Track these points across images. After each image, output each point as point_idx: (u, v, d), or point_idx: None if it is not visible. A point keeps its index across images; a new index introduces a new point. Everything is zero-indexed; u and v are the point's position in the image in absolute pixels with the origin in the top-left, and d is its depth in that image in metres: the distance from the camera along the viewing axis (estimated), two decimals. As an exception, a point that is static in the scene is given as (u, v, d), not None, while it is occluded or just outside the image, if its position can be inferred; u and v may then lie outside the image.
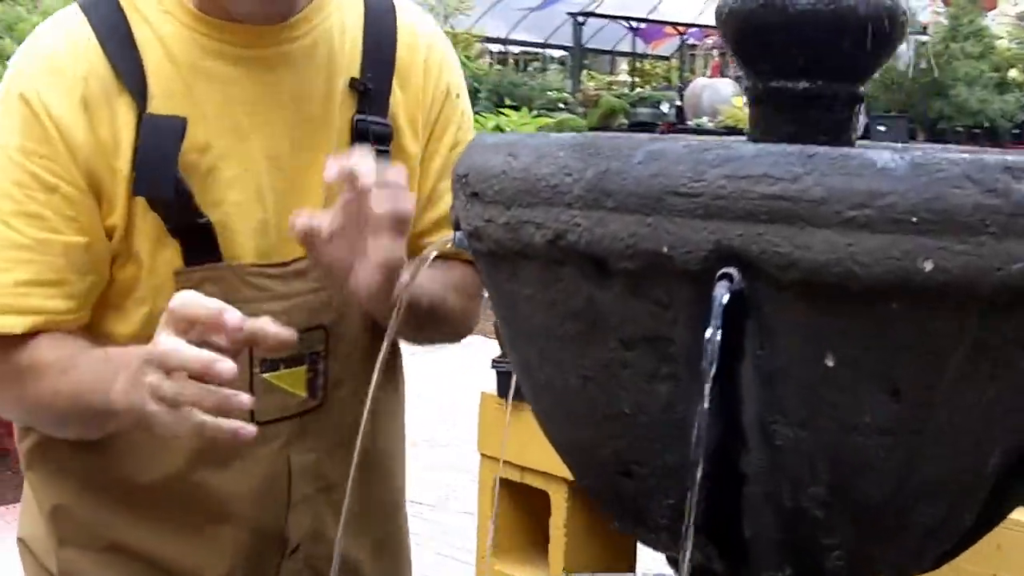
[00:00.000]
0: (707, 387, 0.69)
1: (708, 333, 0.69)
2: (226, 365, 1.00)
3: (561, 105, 14.73)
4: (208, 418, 1.01)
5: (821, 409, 0.74)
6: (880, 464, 0.75)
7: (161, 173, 1.15)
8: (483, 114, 10.05)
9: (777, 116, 0.88)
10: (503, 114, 10.26)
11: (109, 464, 1.22)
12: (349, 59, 1.25)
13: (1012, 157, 0.70)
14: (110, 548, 1.25)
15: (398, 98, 1.28)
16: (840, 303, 0.70)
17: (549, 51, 20.83)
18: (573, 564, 2.02)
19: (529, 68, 19.83)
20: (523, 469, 2.07)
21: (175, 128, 1.16)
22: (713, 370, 0.69)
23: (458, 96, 1.34)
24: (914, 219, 0.68)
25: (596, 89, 14.67)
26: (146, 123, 1.16)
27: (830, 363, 0.72)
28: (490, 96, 13.07)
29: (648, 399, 0.78)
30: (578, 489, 1.87)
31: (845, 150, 0.70)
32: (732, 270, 0.70)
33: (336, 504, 1.29)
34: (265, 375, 1.20)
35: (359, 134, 1.24)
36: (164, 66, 1.18)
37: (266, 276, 1.21)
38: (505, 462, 2.04)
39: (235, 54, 1.19)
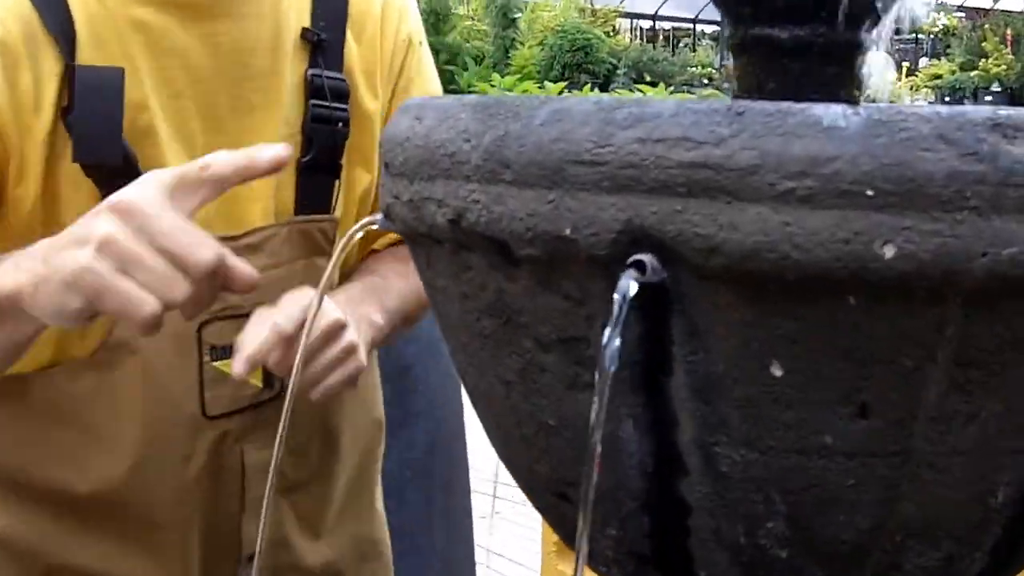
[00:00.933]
0: (599, 400, 0.56)
1: (605, 336, 0.55)
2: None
3: (706, 81, 14.49)
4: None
5: (770, 428, 0.60)
6: (849, 495, 0.61)
7: (105, 134, 1.01)
8: (619, 91, 9.90)
9: (761, 70, 0.74)
10: (639, 91, 10.09)
11: (44, 475, 1.10)
12: (298, 7, 1.12)
13: (1003, 110, 0.55)
14: (48, 573, 1.12)
15: (352, 50, 1.14)
16: (782, 298, 0.56)
17: (701, 27, 20.55)
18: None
19: (680, 45, 19.59)
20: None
21: (113, 81, 1.01)
22: (611, 377, 0.56)
23: (420, 44, 1.21)
24: (869, 191, 0.53)
25: (742, 64, 14.31)
26: (80, 75, 1.00)
27: (777, 372, 0.58)
28: (628, 72, 12.87)
29: (570, 410, 0.64)
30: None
31: (785, 105, 0.55)
32: (645, 256, 0.57)
33: (300, 507, 1.18)
34: (216, 363, 1.08)
35: (314, 90, 1.11)
36: (93, 11, 1.02)
37: None
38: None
39: (166, 0, 1.05)
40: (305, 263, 1.13)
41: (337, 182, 1.15)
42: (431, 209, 0.65)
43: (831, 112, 0.54)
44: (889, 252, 0.53)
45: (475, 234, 0.62)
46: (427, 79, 1.22)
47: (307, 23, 1.12)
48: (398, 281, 1.16)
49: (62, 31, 1.01)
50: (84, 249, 0.81)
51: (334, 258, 0.85)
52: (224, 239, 1.03)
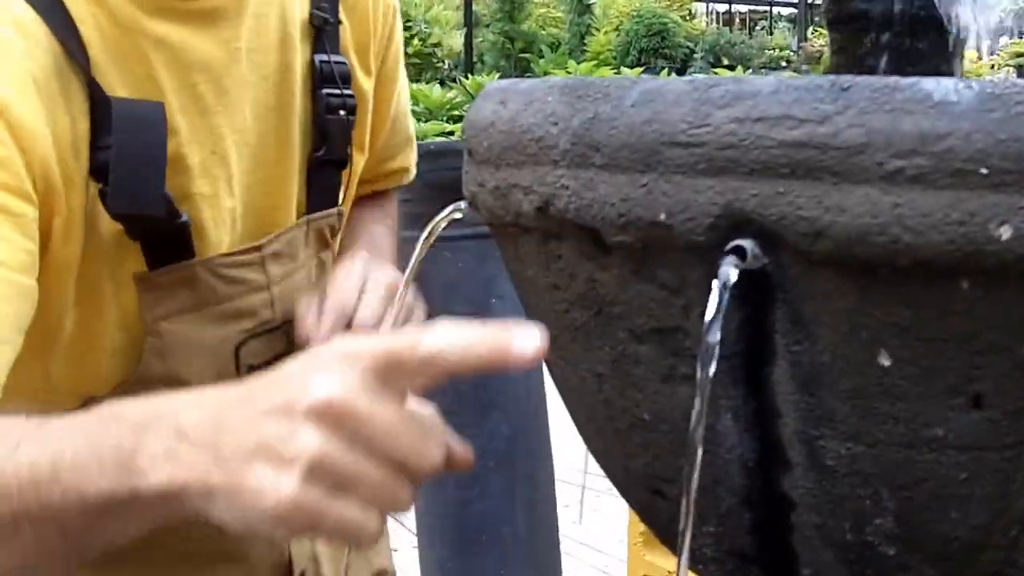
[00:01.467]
0: (703, 392, 0.53)
1: (705, 326, 0.53)
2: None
3: (784, 64, 14.32)
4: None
5: (878, 420, 0.57)
6: (961, 489, 0.58)
7: (145, 183, 0.89)
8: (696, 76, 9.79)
9: (857, 44, 0.71)
10: (716, 74, 9.97)
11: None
12: None
13: None
14: None
15: (345, 27, 1.06)
16: (892, 283, 0.53)
17: (777, 10, 20.32)
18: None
19: (757, 28, 19.39)
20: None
21: (153, 117, 0.89)
22: (713, 368, 0.53)
23: (395, 13, 1.14)
24: (983, 170, 0.50)
25: (820, 46, 14.12)
26: (117, 111, 0.87)
27: (885, 362, 0.55)
28: (706, 56, 12.75)
29: (666, 404, 0.62)
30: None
31: (893, 80, 0.52)
32: (746, 242, 0.54)
33: None
34: None
35: (323, 78, 1.03)
36: (107, 32, 0.90)
37: (241, 266, 0.99)
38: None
39: (182, 8, 0.93)
40: (317, 260, 1.09)
41: (345, 172, 1.09)
42: (518, 196, 0.63)
43: (942, 86, 0.51)
44: (1006, 233, 0.50)
45: (565, 221, 0.60)
46: (400, 49, 1.15)
47: (308, 5, 1.03)
48: (387, 237, 1.16)
49: (82, 57, 0.88)
50: (288, 473, 0.58)
51: (414, 260, 0.81)
52: (248, 251, 0.99)
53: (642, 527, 2.07)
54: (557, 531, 2.21)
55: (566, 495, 2.37)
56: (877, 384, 0.56)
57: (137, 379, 0.94)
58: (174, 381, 0.95)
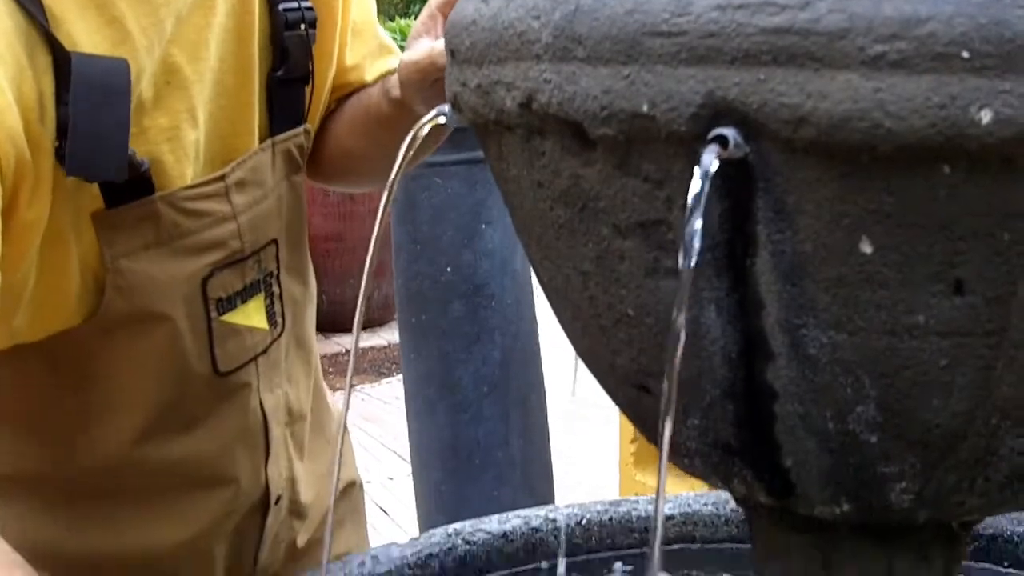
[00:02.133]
0: (684, 282, 0.54)
1: (688, 212, 0.53)
2: None
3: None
4: None
5: (860, 308, 0.57)
6: (943, 377, 0.58)
7: (106, 150, 0.85)
8: None
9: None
10: None
11: (47, 453, 0.98)
12: None
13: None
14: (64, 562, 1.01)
15: None
16: (874, 170, 0.53)
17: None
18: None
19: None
20: (665, 375, 1.92)
21: (117, 79, 0.85)
22: (694, 259, 0.54)
23: None
24: (965, 53, 0.50)
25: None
26: (77, 68, 0.83)
27: (867, 249, 0.56)
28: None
29: (650, 298, 0.63)
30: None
31: (874, -36, 0.52)
32: (728, 130, 0.54)
33: (296, 436, 1.13)
34: (223, 317, 1.00)
35: None
36: None
37: (205, 198, 0.96)
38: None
39: None
40: (287, 184, 1.07)
41: (307, 88, 1.07)
42: (500, 94, 0.63)
43: (923, -31, 0.51)
44: (986, 117, 0.51)
45: (547, 116, 0.60)
46: None
47: None
48: None
49: (39, 12, 0.83)
50: None
51: (399, 162, 0.81)
52: (212, 182, 0.97)
53: (633, 448, 2.10)
54: (550, 454, 2.23)
55: (558, 421, 2.39)
56: (859, 272, 0.56)
57: (101, 316, 0.93)
58: (141, 317, 0.95)
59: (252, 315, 1.03)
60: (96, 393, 0.96)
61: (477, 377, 2.07)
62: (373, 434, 4.29)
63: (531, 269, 2.27)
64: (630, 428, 2.07)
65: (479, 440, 2.09)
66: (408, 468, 2.76)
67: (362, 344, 5.22)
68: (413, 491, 2.28)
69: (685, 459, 0.70)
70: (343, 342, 4.97)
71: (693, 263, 0.53)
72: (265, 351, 1.05)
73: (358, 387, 4.79)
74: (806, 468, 0.64)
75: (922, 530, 0.71)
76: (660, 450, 0.61)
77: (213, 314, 0.99)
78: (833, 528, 0.72)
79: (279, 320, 1.06)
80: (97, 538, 1.01)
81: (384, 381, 5.00)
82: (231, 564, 1.09)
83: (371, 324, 5.48)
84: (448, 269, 2.03)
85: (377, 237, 0.90)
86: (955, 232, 0.55)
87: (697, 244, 0.53)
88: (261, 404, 1.06)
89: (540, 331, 2.21)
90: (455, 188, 2.03)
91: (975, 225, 0.54)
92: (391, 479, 3.80)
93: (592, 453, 3.51)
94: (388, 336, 5.37)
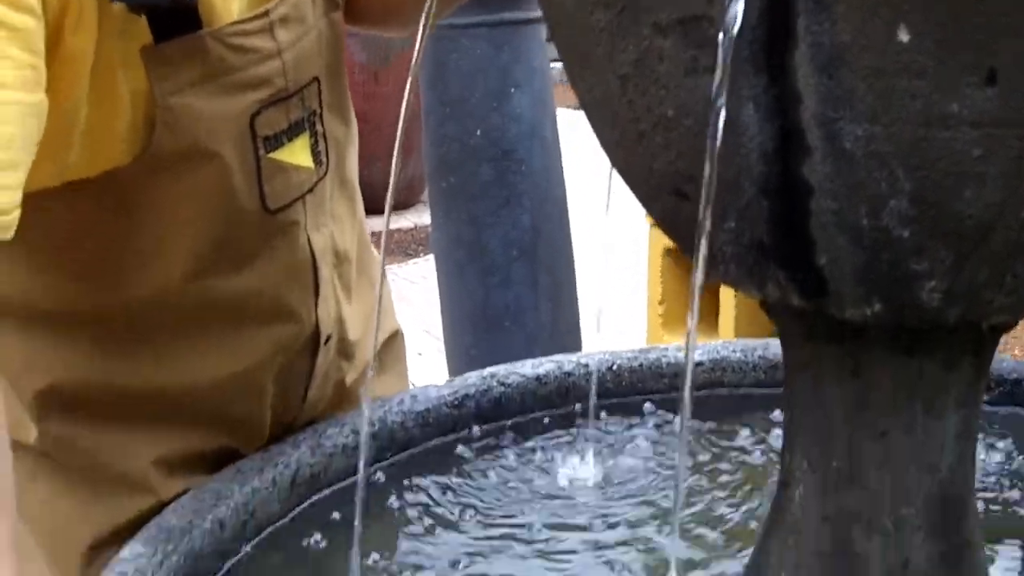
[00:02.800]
0: (718, 79, 0.55)
1: (727, 3, 0.54)
2: None
3: None
4: None
5: (896, 99, 0.59)
6: (976, 167, 0.60)
7: None
8: None
9: None
10: None
11: (97, 289, 1.00)
12: None
13: None
14: (115, 394, 1.05)
15: None
16: (911, -45, 0.54)
17: None
18: (743, 334, 1.90)
19: None
20: (693, 236, 1.93)
21: None
22: (731, 47, 0.55)
23: None
24: None
25: None
26: None
27: (904, 37, 0.57)
28: None
29: (689, 98, 0.64)
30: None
31: None
32: (768, -84, 0.55)
33: (343, 278, 1.16)
34: (271, 155, 1.01)
35: None
36: None
37: (249, 34, 0.97)
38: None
39: None
40: (327, 21, 1.07)
41: None
42: None
43: None
44: None
45: (589, -84, 0.61)
46: None
47: None
48: None
49: None
50: None
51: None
52: (256, 18, 0.98)
53: (661, 309, 2.13)
54: (579, 317, 2.26)
55: (586, 286, 2.40)
56: (896, 61, 0.57)
57: (151, 154, 0.95)
58: (190, 155, 0.97)
59: (298, 153, 1.04)
60: (147, 230, 0.98)
61: (506, 241, 2.09)
62: (402, 312, 4.33)
63: (560, 137, 2.28)
64: (658, 290, 2.10)
65: (509, 304, 2.12)
66: (437, 344, 2.81)
67: (390, 226, 5.23)
68: (444, 356, 2.32)
69: (720, 266, 0.72)
70: (372, 224, 4.98)
71: (730, 55, 0.55)
72: (311, 190, 1.07)
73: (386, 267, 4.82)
74: (839, 266, 0.66)
75: (952, 334, 0.73)
76: (696, 252, 0.63)
77: (261, 151, 1.00)
78: (864, 334, 0.74)
79: (323, 159, 1.08)
80: (149, 371, 1.04)
81: (411, 262, 5.04)
82: (280, 400, 1.12)
83: (397, 207, 5.50)
84: (477, 132, 2.04)
85: (408, 103, 0.91)
86: (991, 20, 0.56)
87: (733, 34, 0.55)
88: (310, 243, 1.08)
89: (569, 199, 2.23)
90: (483, 50, 2.03)
91: (1010, 14, 0.55)
92: (420, 355, 3.85)
93: (620, 317, 3.52)
94: (414, 218, 5.40)
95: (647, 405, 1.31)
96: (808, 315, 0.74)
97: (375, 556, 1.01)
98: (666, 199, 0.71)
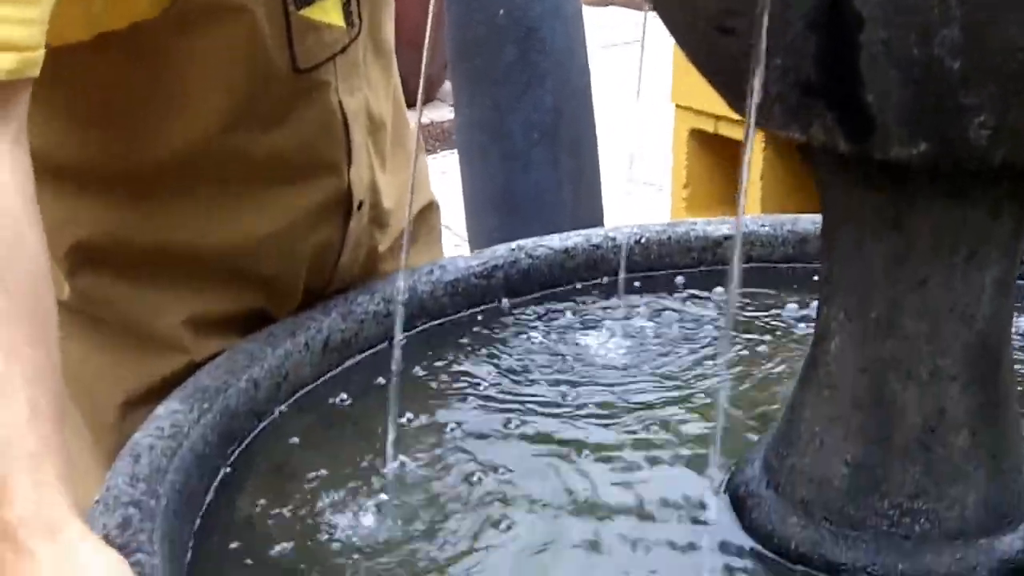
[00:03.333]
0: None
1: None
2: None
3: None
4: None
5: (952, -79, 0.57)
6: (1031, -5, 0.59)
7: None
8: None
9: None
10: None
11: (127, 144, 0.99)
12: None
13: None
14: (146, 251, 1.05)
15: None
16: None
17: None
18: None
19: None
20: (717, 118, 1.91)
21: None
22: None
23: None
24: None
25: None
26: None
27: None
28: None
29: (738, -74, 0.63)
30: (774, 138, 1.71)
31: None
32: None
33: (378, 146, 1.14)
34: (301, 12, 0.99)
35: None
36: None
37: None
38: (698, 111, 1.89)
39: None
40: None
41: None
42: None
43: None
44: None
45: None
46: None
47: None
48: None
49: None
50: None
51: None
52: None
53: (685, 193, 2.12)
54: (601, 200, 2.25)
55: (609, 172, 2.37)
56: None
57: (179, 8, 0.93)
58: (217, 9, 0.95)
59: (329, 11, 1.03)
60: (176, 85, 0.97)
61: (528, 124, 2.08)
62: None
63: (583, 16, 2.22)
64: (682, 173, 2.08)
65: (531, 187, 2.11)
66: (455, 240, 2.80)
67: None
68: (465, 251, 2.32)
69: (765, 108, 0.71)
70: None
71: None
72: (344, 50, 1.06)
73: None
74: (887, 102, 0.65)
75: (996, 179, 0.72)
76: (749, 95, 0.62)
77: (291, 8, 0.99)
78: (907, 180, 0.73)
79: (356, 20, 1.07)
80: (180, 229, 1.04)
81: (430, 158, 5.03)
82: (312, 264, 1.12)
83: (414, 103, 5.46)
84: (501, 11, 2.02)
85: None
86: None
87: None
88: (341, 105, 1.07)
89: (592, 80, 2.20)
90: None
91: None
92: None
93: (644, 202, 3.49)
94: (431, 114, 5.37)
95: (679, 279, 1.30)
96: (851, 161, 0.73)
97: (409, 415, 1.02)
98: (710, 35, 0.70)
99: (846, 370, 0.81)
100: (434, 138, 5.15)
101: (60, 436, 0.73)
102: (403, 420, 1.01)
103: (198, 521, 0.88)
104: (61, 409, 0.74)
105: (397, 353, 0.98)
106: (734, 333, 1.21)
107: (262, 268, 1.09)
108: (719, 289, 1.28)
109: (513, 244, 1.31)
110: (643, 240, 1.34)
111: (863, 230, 0.78)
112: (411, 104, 1.21)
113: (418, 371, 1.11)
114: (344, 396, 1.06)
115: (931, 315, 0.78)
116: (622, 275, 1.27)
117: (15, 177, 0.79)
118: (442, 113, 5.13)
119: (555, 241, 1.32)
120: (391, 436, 0.95)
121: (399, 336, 1.07)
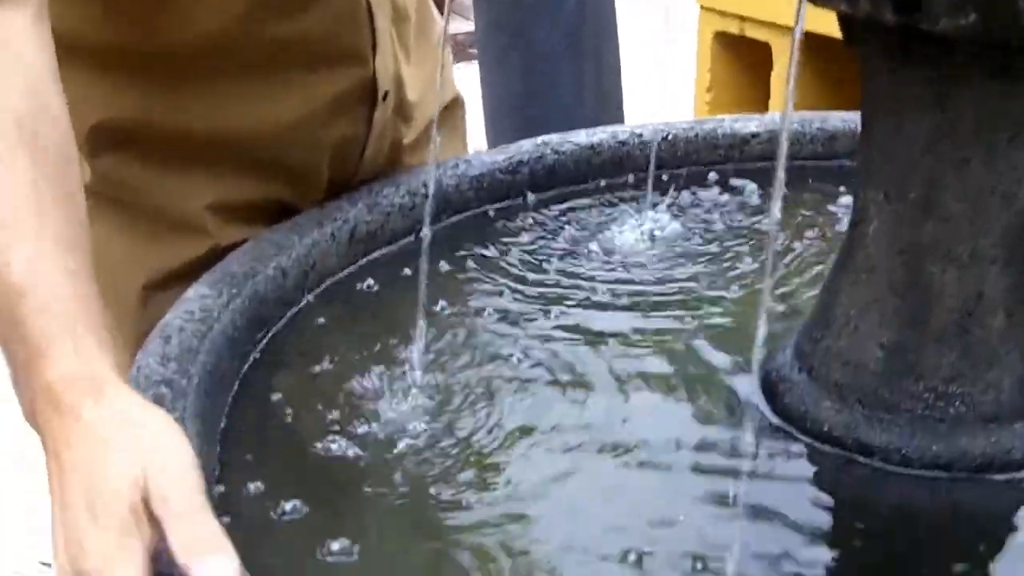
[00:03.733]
0: None
1: None
2: None
3: None
4: None
5: None
6: None
7: None
8: None
9: None
10: None
11: (148, 25, 0.98)
12: None
13: None
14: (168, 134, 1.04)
15: None
16: None
17: None
18: (794, 119, 1.86)
19: None
20: (743, 19, 1.88)
21: None
22: None
23: None
24: None
25: None
26: None
27: None
28: None
29: None
30: (805, 41, 1.68)
31: None
32: None
33: (402, 38, 1.13)
34: None
35: None
36: None
37: None
38: (724, 13, 1.86)
39: None
40: None
41: None
42: None
43: None
44: None
45: None
46: None
47: None
48: None
49: None
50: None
51: None
52: None
53: (708, 97, 2.09)
54: (622, 106, 2.23)
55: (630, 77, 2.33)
56: None
57: None
58: None
59: None
60: None
61: (551, 25, 2.05)
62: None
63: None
64: (706, 77, 2.06)
65: (551, 103, 2.09)
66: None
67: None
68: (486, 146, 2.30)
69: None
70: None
71: None
72: None
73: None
74: (937, -31, 0.64)
75: (1043, 54, 0.71)
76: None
77: None
78: (952, 56, 0.72)
79: None
80: (203, 114, 1.03)
81: (445, 75, 4.98)
82: (336, 155, 1.11)
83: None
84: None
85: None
86: None
87: None
88: None
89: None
90: None
91: None
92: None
93: (665, 103, 3.45)
94: (448, 27, 5.32)
95: (712, 174, 1.29)
96: (896, 36, 0.72)
97: (442, 303, 1.02)
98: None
99: (883, 253, 0.81)
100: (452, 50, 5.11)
101: (97, 297, 0.72)
102: (437, 307, 1.01)
103: (229, 400, 0.88)
104: (93, 270, 0.74)
105: (427, 231, 0.97)
106: (764, 229, 1.20)
107: (287, 157, 1.08)
108: (752, 186, 1.27)
109: (539, 139, 1.30)
110: (670, 136, 1.32)
111: (904, 110, 0.77)
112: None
113: (441, 265, 1.10)
114: (372, 285, 1.06)
115: (972, 195, 0.77)
116: (651, 171, 1.26)
117: (39, 53, 0.78)
118: (457, 25, 5.08)
119: (581, 137, 1.31)
120: (420, 322, 0.94)
121: (428, 220, 1.06)
